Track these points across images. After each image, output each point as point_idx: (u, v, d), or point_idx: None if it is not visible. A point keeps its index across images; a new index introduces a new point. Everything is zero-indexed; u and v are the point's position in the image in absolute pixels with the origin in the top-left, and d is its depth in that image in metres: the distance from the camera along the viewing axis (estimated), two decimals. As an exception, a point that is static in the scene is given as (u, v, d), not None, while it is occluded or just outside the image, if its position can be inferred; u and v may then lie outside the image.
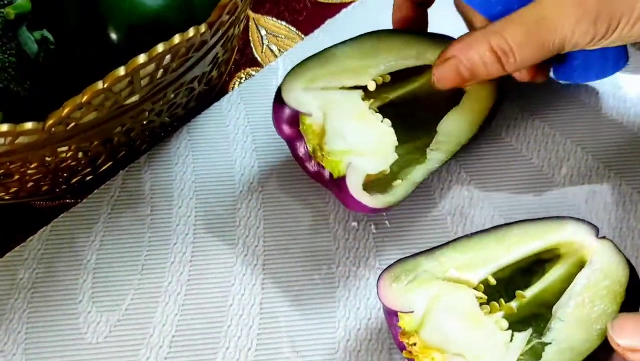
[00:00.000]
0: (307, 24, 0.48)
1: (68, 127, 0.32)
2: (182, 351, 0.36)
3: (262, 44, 0.47)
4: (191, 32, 0.32)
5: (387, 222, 0.40)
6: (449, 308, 0.32)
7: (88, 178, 0.40)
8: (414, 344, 0.31)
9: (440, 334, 0.31)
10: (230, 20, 0.36)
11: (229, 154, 0.42)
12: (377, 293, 0.33)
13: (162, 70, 0.33)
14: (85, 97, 0.30)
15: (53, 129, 0.31)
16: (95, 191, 0.40)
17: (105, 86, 0.30)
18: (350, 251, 0.39)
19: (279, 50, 0.47)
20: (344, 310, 0.37)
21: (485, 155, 0.42)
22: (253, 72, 0.46)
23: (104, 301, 0.37)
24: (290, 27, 0.48)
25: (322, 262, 0.38)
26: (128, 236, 0.39)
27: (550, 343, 0.31)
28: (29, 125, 0.30)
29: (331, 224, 0.40)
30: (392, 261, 0.37)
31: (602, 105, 0.44)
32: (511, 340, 0.31)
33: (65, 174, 0.38)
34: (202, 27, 0.33)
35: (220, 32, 0.36)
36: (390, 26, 0.42)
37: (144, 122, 0.37)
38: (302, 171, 0.40)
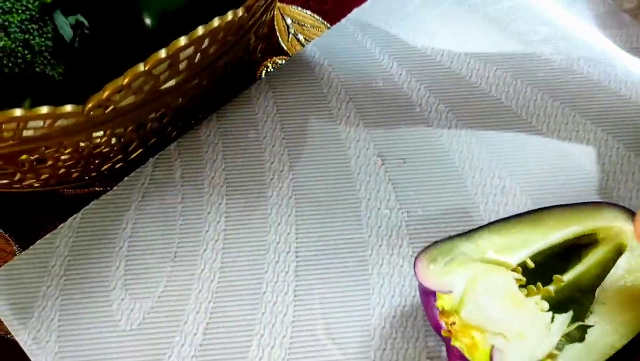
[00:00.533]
0: (333, 13, 0.48)
1: (106, 111, 0.32)
2: (216, 338, 0.35)
3: (288, 33, 0.47)
4: (230, 15, 0.32)
5: (419, 210, 0.39)
6: (489, 288, 0.32)
7: (118, 166, 0.40)
8: (454, 323, 0.31)
9: (481, 313, 0.31)
10: (264, 5, 0.36)
11: (259, 142, 0.42)
12: (415, 273, 0.33)
13: (199, 54, 0.33)
14: (126, 80, 0.30)
15: (92, 112, 0.31)
16: (126, 178, 0.40)
17: (147, 68, 0.30)
18: (383, 239, 0.39)
19: (305, 39, 0.47)
20: (378, 297, 0.37)
21: (515, 142, 0.42)
22: (280, 61, 0.46)
23: (137, 289, 0.37)
24: (315, 16, 0.48)
25: (355, 250, 0.38)
26: (159, 223, 0.39)
27: (592, 326, 0.31)
28: (68, 108, 0.30)
29: (363, 212, 0.39)
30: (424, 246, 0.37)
31: (621, 86, 0.43)
32: (552, 322, 0.31)
33: (97, 161, 0.37)
34: (240, 11, 0.33)
35: (256, 16, 0.35)
36: (420, 15, 0.42)
37: (178, 108, 0.37)
38: (332, 158, 0.40)
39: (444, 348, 0.35)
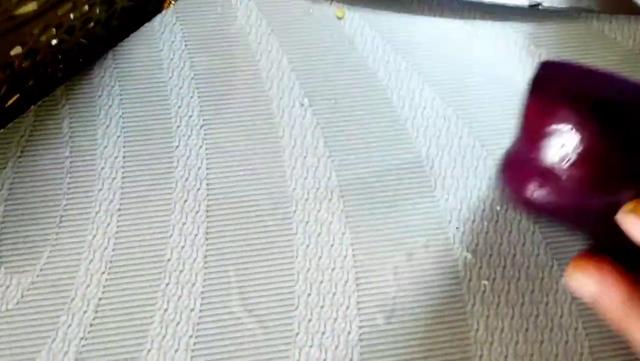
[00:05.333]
0: None
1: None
2: (110, 316, 0.30)
3: (202, -44, 0.40)
4: None
5: (352, 157, 0.34)
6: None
7: (-9, 116, 0.33)
8: None
9: None
10: None
11: (163, 84, 0.35)
12: None
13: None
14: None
15: None
16: (0, 131, 0.33)
17: (-18, -18, 0.23)
18: (309, 192, 0.33)
19: (222, -37, 0.40)
20: (303, 260, 0.32)
21: (460, 77, 0.36)
22: (191, -10, 0.39)
23: (14, 261, 0.31)
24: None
25: (277, 206, 0.33)
26: (43, 183, 0.32)
27: None
28: None
29: (286, 162, 0.34)
30: (357, 201, 0.32)
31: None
32: None
33: (-42, 109, 0.31)
34: None
35: None
36: None
37: (52, 43, 0.30)
38: (251, 100, 0.34)
39: (378, 317, 0.30)
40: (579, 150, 0.26)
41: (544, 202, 0.27)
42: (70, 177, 0.33)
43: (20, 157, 0.33)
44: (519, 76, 0.37)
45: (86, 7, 0.30)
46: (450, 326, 0.30)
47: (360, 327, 0.30)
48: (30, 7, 0.27)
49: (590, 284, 0.26)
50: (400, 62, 0.37)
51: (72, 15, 0.30)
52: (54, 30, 0.30)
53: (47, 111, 0.34)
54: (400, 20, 0.38)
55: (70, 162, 0.33)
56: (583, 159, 0.26)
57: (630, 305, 0.25)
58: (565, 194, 0.27)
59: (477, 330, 0.30)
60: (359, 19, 0.38)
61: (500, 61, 0.37)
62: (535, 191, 0.27)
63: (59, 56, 0.32)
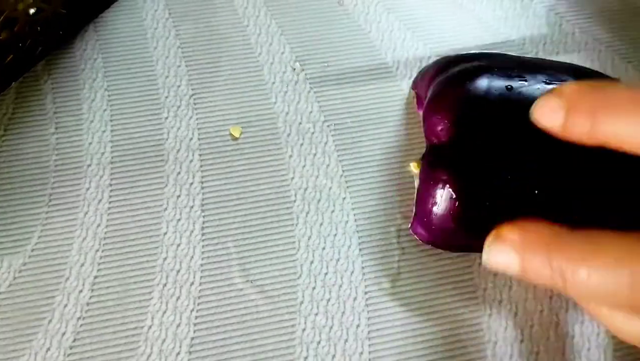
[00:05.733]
0: None
1: None
2: (107, 294, 0.29)
3: None
4: None
5: (349, 120, 0.33)
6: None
7: (-29, 94, 0.32)
8: None
9: None
10: None
11: (149, 54, 0.34)
12: None
13: None
14: None
15: None
16: (-20, 109, 0.32)
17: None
18: (306, 158, 0.32)
19: None
20: (304, 227, 0.31)
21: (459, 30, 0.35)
22: (172, -43, 0.38)
23: (4, 243, 0.29)
24: None
25: (274, 173, 0.32)
26: (29, 161, 0.31)
27: None
28: None
29: (281, 128, 0.33)
30: (356, 165, 0.31)
31: None
32: None
33: None
34: None
35: None
36: None
37: (30, 12, 0.29)
38: (241, 67, 0.33)
39: (384, 281, 0.30)
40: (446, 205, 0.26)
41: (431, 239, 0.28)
42: (57, 155, 0.31)
43: (3, 136, 0.31)
44: (514, 33, 0.36)
45: (64, -26, 0.29)
46: (456, 287, 0.30)
47: (366, 292, 0.29)
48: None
49: (512, 251, 0.23)
50: (393, 22, 0.36)
51: (49, -18, 0.28)
52: (31, -1, 0.28)
53: (28, 88, 0.33)
54: (390, -21, 0.37)
55: (56, 139, 0.32)
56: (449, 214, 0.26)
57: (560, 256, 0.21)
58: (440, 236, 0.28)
59: (485, 288, 0.30)
60: (347, -20, 0.37)
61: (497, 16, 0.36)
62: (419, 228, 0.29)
63: (38, 28, 0.31)
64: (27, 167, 0.31)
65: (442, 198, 0.26)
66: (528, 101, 0.23)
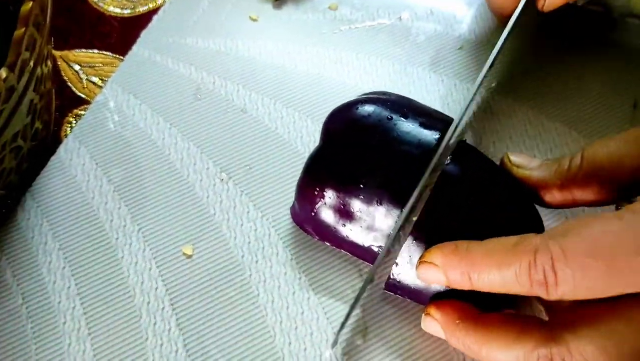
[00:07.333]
0: (121, 44, 0.44)
1: None
2: None
3: (81, 79, 0.42)
4: (-10, 80, 0.27)
5: (283, 208, 0.37)
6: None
7: None
8: None
9: None
10: (33, 58, 0.31)
11: (89, 205, 0.37)
12: None
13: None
14: None
15: None
16: (-54, 303, 0.34)
17: None
18: (257, 254, 0.36)
19: (101, 79, 0.42)
20: (273, 316, 0.34)
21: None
22: (82, 112, 0.41)
23: (6, 420, 0.31)
24: (104, 52, 0.44)
25: (233, 277, 0.35)
26: (7, 336, 0.33)
27: None
28: None
29: (227, 234, 0.36)
30: (302, 244, 0.35)
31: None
32: None
33: None
34: (3, 72, 0.28)
35: (27, 74, 0.31)
36: (209, 18, 0.39)
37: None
38: (175, 192, 0.37)
39: (356, 338, 0.33)
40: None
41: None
42: (31, 323, 0.33)
43: (-25, 321, 0.33)
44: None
45: (-2, 162, 0.32)
46: (417, 324, 0.34)
47: (344, 354, 0.33)
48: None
49: (437, 326, 0.30)
50: (293, 114, 0.40)
51: (-12, 173, 0.31)
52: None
53: (-14, 269, 0.35)
54: (282, 77, 0.42)
55: (27, 308, 0.34)
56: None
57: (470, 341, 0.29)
58: None
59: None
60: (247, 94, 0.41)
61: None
62: None
63: (-16, 214, 0.33)
64: (6, 342, 0.33)
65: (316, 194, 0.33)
66: (399, 131, 0.33)
